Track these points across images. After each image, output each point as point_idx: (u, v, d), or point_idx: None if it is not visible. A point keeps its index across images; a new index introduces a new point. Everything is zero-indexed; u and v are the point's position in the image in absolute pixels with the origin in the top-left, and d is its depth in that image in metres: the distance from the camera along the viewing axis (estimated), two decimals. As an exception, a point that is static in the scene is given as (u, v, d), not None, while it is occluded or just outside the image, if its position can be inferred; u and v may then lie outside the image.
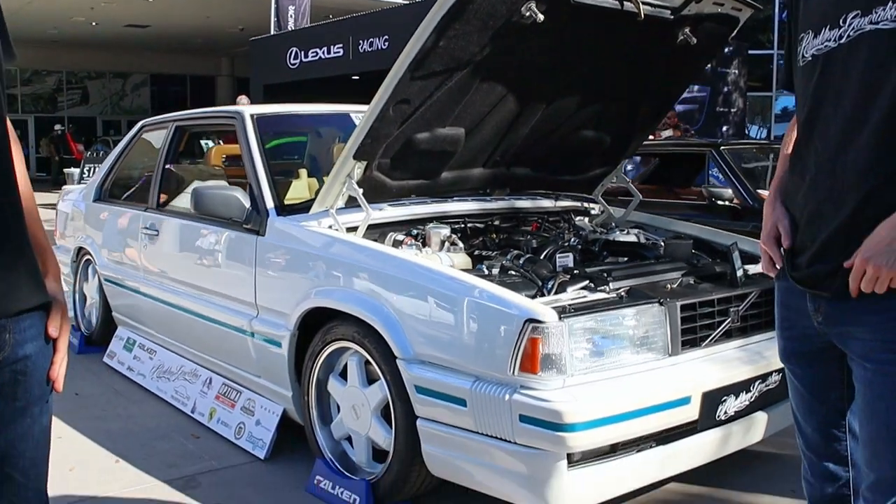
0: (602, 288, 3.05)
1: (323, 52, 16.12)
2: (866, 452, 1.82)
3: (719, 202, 6.37)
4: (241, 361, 4.02)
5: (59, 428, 4.23)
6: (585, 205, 4.65)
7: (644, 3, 3.40)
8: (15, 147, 1.72)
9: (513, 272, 3.22)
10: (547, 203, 4.45)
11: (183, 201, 4.94)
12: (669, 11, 3.54)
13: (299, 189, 5.27)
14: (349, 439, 3.47)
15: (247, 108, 4.43)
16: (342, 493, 3.32)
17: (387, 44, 14.64)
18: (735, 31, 3.98)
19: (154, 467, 3.74)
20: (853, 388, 1.88)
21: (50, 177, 23.55)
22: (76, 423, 4.32)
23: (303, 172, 5.61)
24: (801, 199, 1.89)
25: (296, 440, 3.75)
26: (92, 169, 15.32)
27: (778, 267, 1.98)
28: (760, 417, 3.31)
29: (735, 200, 6.34)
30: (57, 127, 24.45)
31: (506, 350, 2.71)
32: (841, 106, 1.79)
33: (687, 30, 3.69)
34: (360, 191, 3.44)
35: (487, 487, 2.94)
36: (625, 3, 3.37)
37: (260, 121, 4.32)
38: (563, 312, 2.74)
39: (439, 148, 3.62)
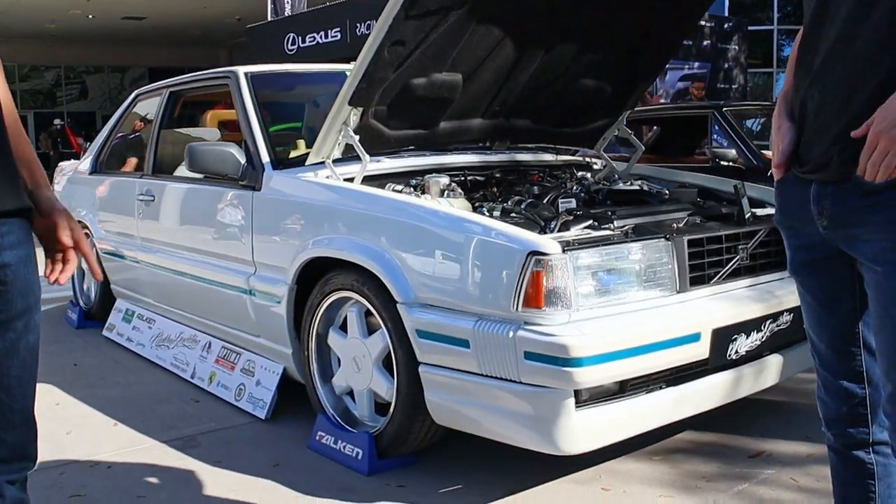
0: (606, 226, 2.96)
1: (321, 37, 16.02)
2: (883, 362, 1.72)
3: (723, 163, 6.27)
4: (240, 322, 3.93)
5: (56, 395, 4.17)
6: (587, 159, 4.56)
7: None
8: None
9: (514, 214, 3.13)
10: (548, 157, 4.36)
11: (179, 166, 4.87)
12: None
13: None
14: (350, 394, 3.38)
15: (241, 68, 4.33)
16: (344, 447, 3.24)
17: (385, 26, 14.53)
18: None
19: (153, 429, 3.66)
20: (866, 298, 1.78)
21: (50, 171, 23.48)
22: (74, 390, 4.25)
23: (301, 143, 5.53)
24: (810, 90, 1.78)
25: (297, 401, 3.66)
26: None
27: (777, 175, 1.88)
28: (773, 360, 3.22)
29: (739, 161, 6.25)
30: (56, 121, 24.31)
31: (508, 286, 2.62)
32: None
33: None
34: (357, 138, 3.35)
35: (494, 433, 2.85)
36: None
37: (254, 79, 4.23)
38: (567, 245, 2.65)
39: (437, 94, 3.52)
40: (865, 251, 1.70)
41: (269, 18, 18.43)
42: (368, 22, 14.84)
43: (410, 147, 3.78)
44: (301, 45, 16.60)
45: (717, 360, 2.93)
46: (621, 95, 4.21)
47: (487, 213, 3.13)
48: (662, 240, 2.88)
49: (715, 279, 3.03)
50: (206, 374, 4.16)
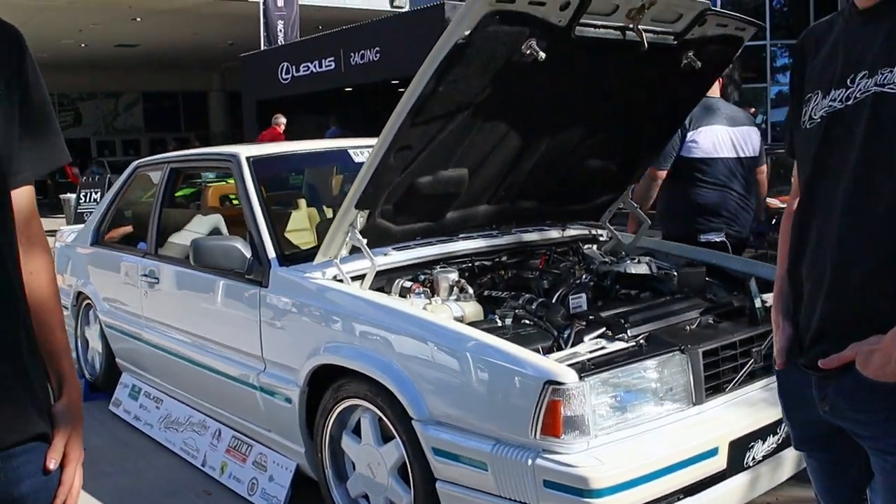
0: (620, 336, 2.95)
1: (315, 66, 16.06)
2: None
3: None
4: (249, 414, 3.91)
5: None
6: (593, 231, 4.55)
7: (646, 31, 3.30)
8: (36, 251, 1.62)
9: (527, 321, 3.12)
10: (554, 233, 4.34)
11: (182, 244, 4.85)
12: (672, 37, 3.45)
13: (299, 220, 5.19)
14: (366, 496, 3.36)
15: (242, 151, 4.31)
16: (361, 553, 3.22)
17: (378, 55, 14.57)
18: (739, 52, 3.89)
19: (166, 530, 3.64)
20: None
21: (47, 200, 23.41)
22: (84, 480, 4.20)
23: (301, 202, 5.53)
24: (804, 271, 1.78)
25: (311, 495, 3.64)
26: (88, 194, 15.16)
27: (778, 366, 1.90)
28: (788, 455, 3.20)
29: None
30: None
31: (526, 413, 2.60)
32: (845, 172, 1.68)
33: (691, 54, 3.58)
34: (364, 241, 3.34)
35: (513, 552, 2.83)
36: (627, 33, 3.28)
37: (256, 164, 4.21)
38: (582, 371, 2.63)
39: (443, 190, 3.52)
40: (871, 442, 1.70)
41: (263, 47, 18.43)
42: (362, 51, 14.89)
43: (417, 238, 3.76)
44: (295, 75, 16.64)
45: (735, 470, 2.92)
46: (626, 170, 4.21)
47: (500, 321, 3.12)
48: (678, 353, 2.86)
49: (730, 386, 3.01)
50: (217, 464, 4.13)
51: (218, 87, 31.10)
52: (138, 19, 21.25)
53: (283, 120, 13.58)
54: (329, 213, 5.40)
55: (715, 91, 4.52)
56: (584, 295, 3.43)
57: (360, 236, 3.34)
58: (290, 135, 14.10)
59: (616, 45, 3.26)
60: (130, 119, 31.41)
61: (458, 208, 3.74)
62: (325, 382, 3.39)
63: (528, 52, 3.00)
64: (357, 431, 3.33)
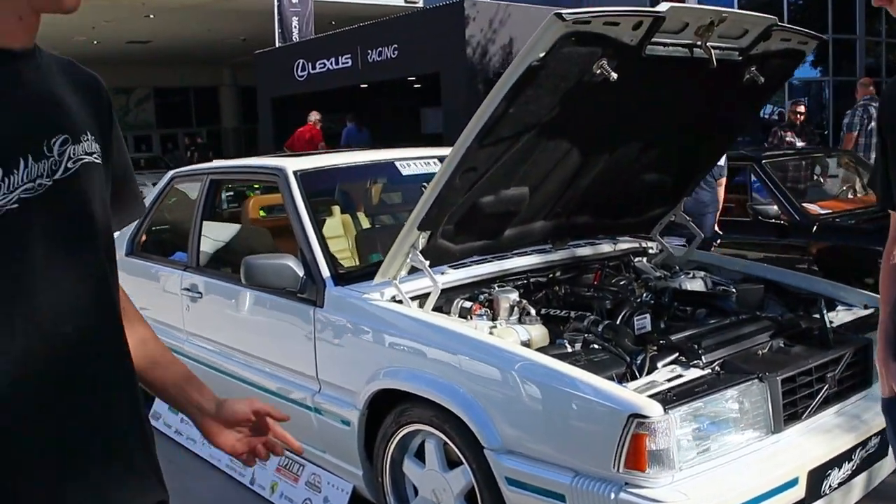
0: (695, 363, 2.89)
1: (331, 63, 15.97)
2: None
3: (766, 220, 6.19)
4: (302, 434, 3.84)
5: None
6: (643, 244, 4.49)
7: (713, 48, 3.24)
8: (131, 312, 1.59)
9: (595, 345, 3.06)
10: (606, 247, 4.29)
11: (224, 260, 4.81)
12: (738, 53, 3.39)
13: (333, 227, 5.12)
14: (428, 521, 3.31)
15: (289, 164, 4.23)
16: (425, 580, 3.17)
17: (396, 52, 14.49)
18: (800, 65, 3.83)
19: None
20: None
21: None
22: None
23: (335, 209, 5.46)
24: None
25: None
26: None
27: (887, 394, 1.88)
28: (859, 479, 3.15)
29: (782, 217, 6.16)
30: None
31: (608, 445, 2.55)
32: None
33: (754, 68, 3.52)
34: (427, 263, 3.28)
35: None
36: (695, 50, 3.22)
37: (304, 178, 4.14)
38: (666, 402, 2.57)
39: (504, 209, 3.47)
40: None
41: (277, 44, 18.35)
42: (380, 48, 14.80)
43: (474, 256, 3.71)
44: (311, 72, 16.56)
45: (812, 499, 2.87)
46: (680, 183, 4.15)
47: (569, 346, 3.07)
48: (756, 381, 2.81)
49: (806, 413, 2.96)
50: (266, 483, 4.08)
51: (229, 82, 31.04)
52: (151, 16, 21.19)
53: (317, 116, 13.52)
54: (363, 220, 5.35)
55: None
56: (648, 315, 3.37)
57: (422, 258, 3.28)
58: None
59: (683, 61, 3.21)
60: (142, 115, 31.33)
61: (516, 225, 3.69)
62: (385, 405, 3.34)
63: (599, 71, 2.94)
64: (419, 455, 3.28)
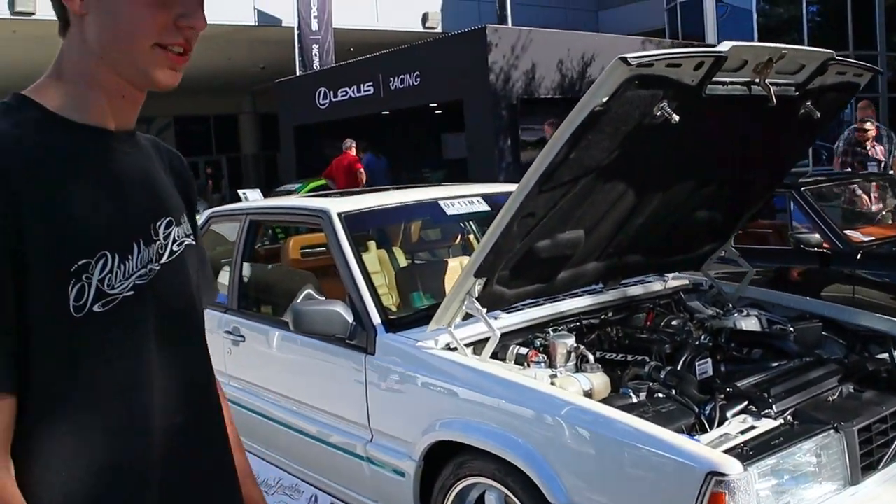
0: (766, 412, 2.81)
1: (353, 91, 15.97)
2: None
3: (808, 249, 6.09)
4: (353, 483, 3.78)
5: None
6: (692, 281, 4.41)
7: (771, 85, 3.18)
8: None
9: (660, 394, 2.98)
10: (656, 286, 4.21)
11: (267, 301, 4.76)
12: (794, 88, 3.32)
13: (370, 263, 5.03)
14: (489, 574, 3.23)
15: (333, 206, 4.17)
16: None
17: (418, 79, 14.47)
18: (853, 97, 3.76)
19: None
20: None
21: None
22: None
23: (371, 244, 5.39)
24: None
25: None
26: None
27: None
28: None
29: (824, 245, 6.06)
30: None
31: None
32: None
33: (809, 103, 3.45)
34: (484, 311, 3.21)
35: None
36: (752, 87, 3.15)
37: (349, 219, 4.08)
38: (744, 458, 2.49)
39: (560, 253, 3.40)
40: None
41: (298, 72, 18.39)
42: (402, 76, 14.79)
43: (527, 300, 3.64)
44: (333, 100, 16.56)
45: (888, 554, 2.77)
46: (731, 219, 4.08)
47: (634, 396, 2.99)
48: (832, 431, 2.72)
49: (883, 462, 2.86)
50: (316, 533, 4.01)
51: (249, 110, 31.16)
52: (171, 46, 21.26)
53: (352, 142, 13.45)
54: (399, 255, 5.29)
55: None
56: (709, 359, 3.29)
57: (478, 304, 3.22)
58: (328, 162, 14.04)
59: (742, 100, 3.14)
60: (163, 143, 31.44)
61: (570, 268, 3.62)
62: (440, 456, 3.26)
63: (660, 113, 2.88)
64: (478, 507, 3.20)
